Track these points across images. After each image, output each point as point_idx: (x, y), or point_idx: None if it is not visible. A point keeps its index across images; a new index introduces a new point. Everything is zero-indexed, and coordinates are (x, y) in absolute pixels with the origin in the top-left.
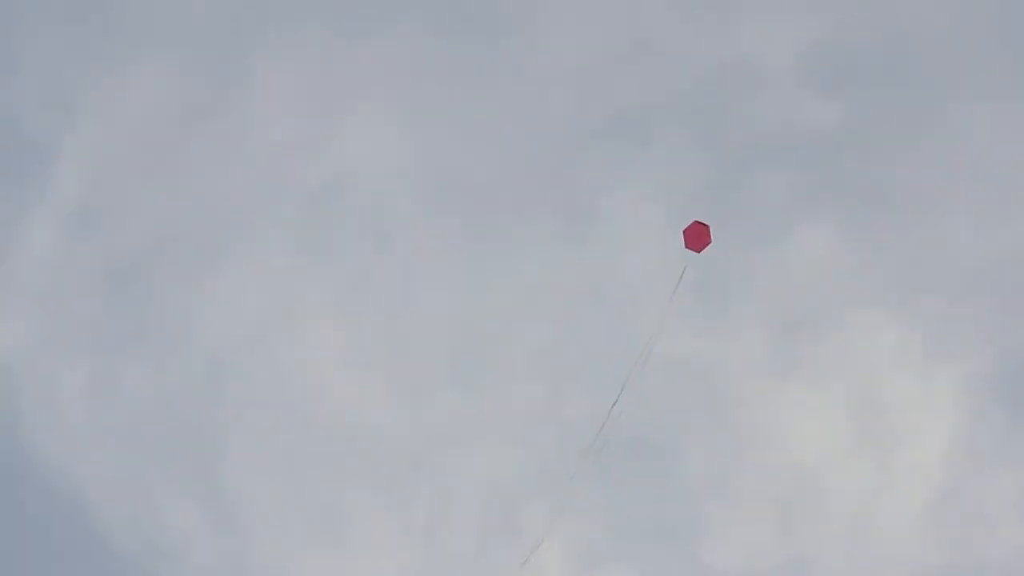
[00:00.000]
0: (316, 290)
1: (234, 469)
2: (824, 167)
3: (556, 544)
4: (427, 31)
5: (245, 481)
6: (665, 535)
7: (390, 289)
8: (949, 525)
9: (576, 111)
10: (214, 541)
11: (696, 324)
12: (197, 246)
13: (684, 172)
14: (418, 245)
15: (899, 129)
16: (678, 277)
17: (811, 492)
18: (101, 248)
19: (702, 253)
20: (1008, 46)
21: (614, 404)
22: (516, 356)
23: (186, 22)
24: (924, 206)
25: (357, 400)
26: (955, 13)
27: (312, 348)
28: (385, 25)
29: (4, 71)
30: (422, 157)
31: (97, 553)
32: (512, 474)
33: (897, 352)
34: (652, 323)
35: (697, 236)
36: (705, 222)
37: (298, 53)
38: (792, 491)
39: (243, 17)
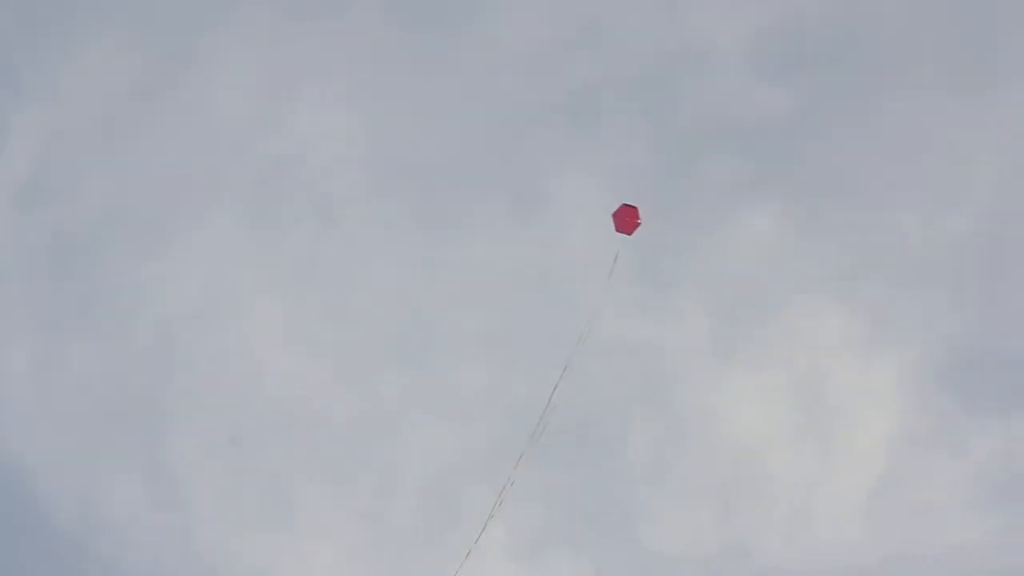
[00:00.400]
0: (263, 268)
1: (178, 446)
2: (770, 153)
3: (498, 529)
4: (380, 14)
5: (189, 458)
6: (607, 520)
7: (337, 268)
8: (891, 511)
9: (525, 95)
10: (157, 517)
11: (638, 307)
12: (144, 223)
13: (631, 156)
14: (366, 225)
15: (846, 116)
16: (612, 261)
17: (753, 477)
18: (48, 224)
19: (633, 235)
20: (956, 34)
21: (555, 388)
22: (462, 337)
23: None
24: (870, 192)
25: (302, 379)
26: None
27: (258, 326)
28: (338, 7)
29: None
30: (372, 137)
31: (39, 529)
32: (456, 456)
33: (840, 337)
34: (591, 306)
35: (626, 219)
36: (633, 204)
37: (250, 31)
38: (733, 476)
39: None
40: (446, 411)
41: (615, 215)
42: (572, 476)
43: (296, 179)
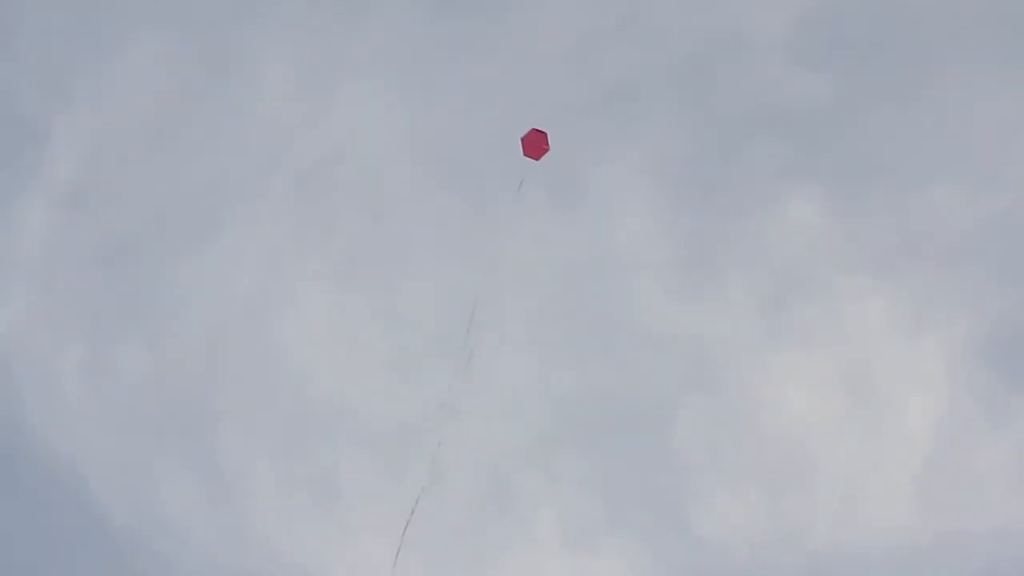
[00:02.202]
0: (310, 265)
1: (229, 443)
2: (812, 137)
3: (551, 516)
4: (419, 7)
5: (240, 455)
6: (657, 507)
7: (383, 263)
8: (941, 491)
9: (565, 85)
10: (210, 514)
11: (684, 294)
12: (191, 223)
13: (673, 144)
14: (411, 219)
15: (886, 99)
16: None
17: (801, 461)
18: (95, 227)
19: (541, 161)
20: (996, 15)
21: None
22: (508, 329)
23: (180, 1)
24: (912, 174)
25: (351, 374)
26: None
27: (306, 323)
28: (377, 2)
29: None
30: (414, 131)
31: (96, 531)
32: (505, 447)
33: (886, 319)
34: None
35: (535, 144)
36: (542, 129)
37: (291, 30)
38: (782, 460)
39: None
40: (494, 403)
41: (524, 139)
42: (622, 464)
43: (340, 175)
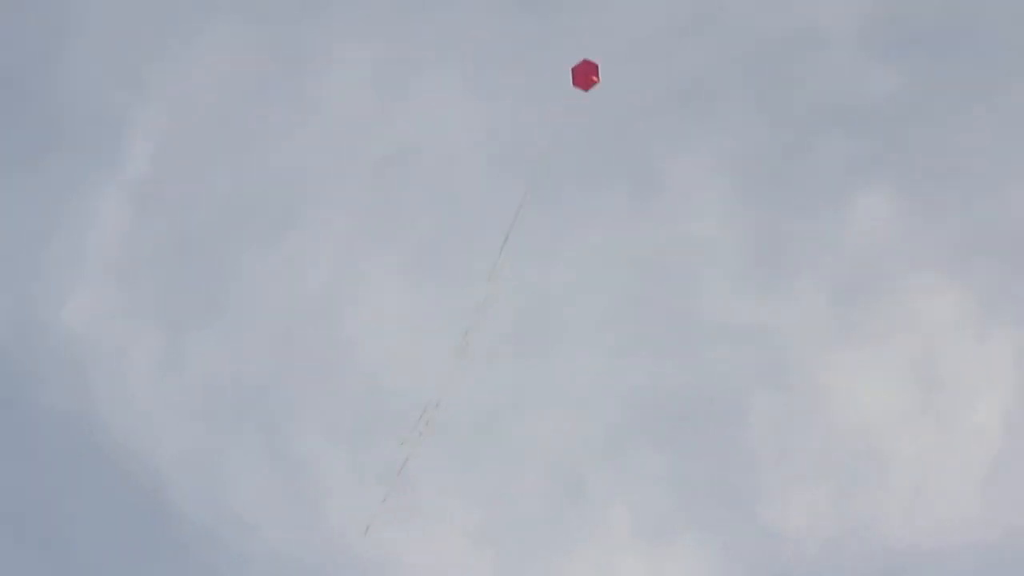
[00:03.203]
0: (383, 260)
1: (302, 437)
2: (884, 134)
3: (624, 511)
4: (491, 2)
5: (313, 448)
6: (729, 502)
7: (456, 257)
8: (1010, 486)
9: (639, 81)
10: (284, 508)
11: (757, 289)
12: (265, 216)
13: (746, 140)
14: (484, 213)
15: (958, 96)
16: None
17: (871, 456)
18: (170, 220)
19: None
20: None
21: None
22: (580, 323)
23: None
24: (982, 171)
25: (423, 368)
26: None
27: (379, 317)
28: None
29: (73, 45)
30: (487, 126)
31: (168, 525)
32: (577, 441)
33: (956, 315)
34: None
35: (585, 75)
36: (594, 60)
37: (363, 26)
38: (852, 455)
39: None
40: (566, 396)
41: (575, 69)
42: (694, 458)
43: (414, 169)
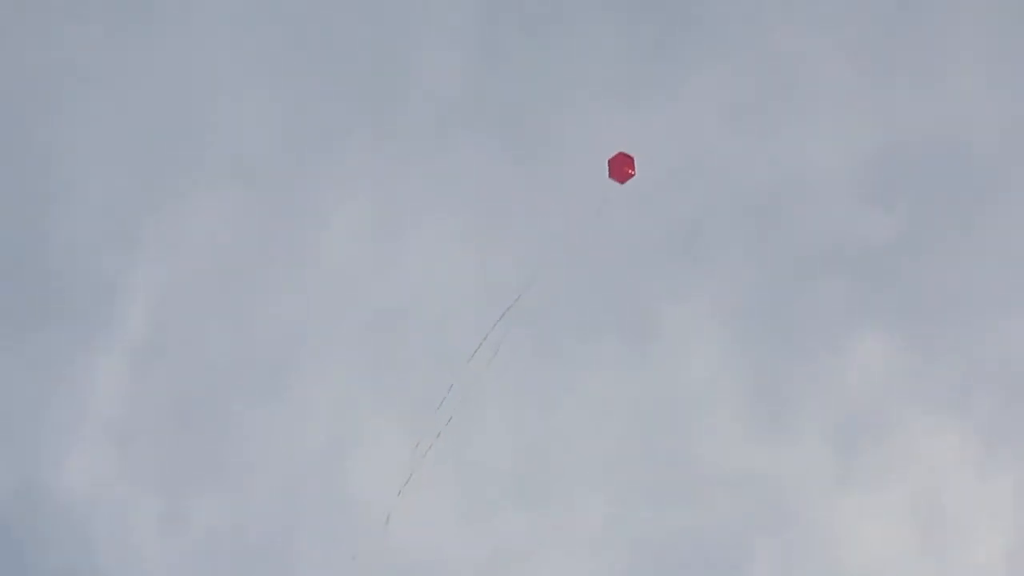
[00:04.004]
0: (384, 413)
1: None
2: (880, 274)
3: None
4: (484, 153)
5: None
6: None
7: (457, 410)
8: None
9: (635, 228)
10: None
11: (757, 433)
12: (263, 373)
13: (743, 284)
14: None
15: (952, 235)
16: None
17: None
18: (169, 379)
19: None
20: None
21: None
22: (581, 470)
23: (245, 151)
24: (979, 308)
25: (426, 522)
26: (1003, 109)
27: (381, 472)
28: (441, 149)
29: (66, 207)
30: (484, 277)
31: None
32: None
33: (957, 454)
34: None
35: (621, 167)
36: (630, 153)
37: (357, 177)
38: None
39: (301, 143)
40: (570, 544)
41: (610, 162)
42: None
43: (412, 321)
